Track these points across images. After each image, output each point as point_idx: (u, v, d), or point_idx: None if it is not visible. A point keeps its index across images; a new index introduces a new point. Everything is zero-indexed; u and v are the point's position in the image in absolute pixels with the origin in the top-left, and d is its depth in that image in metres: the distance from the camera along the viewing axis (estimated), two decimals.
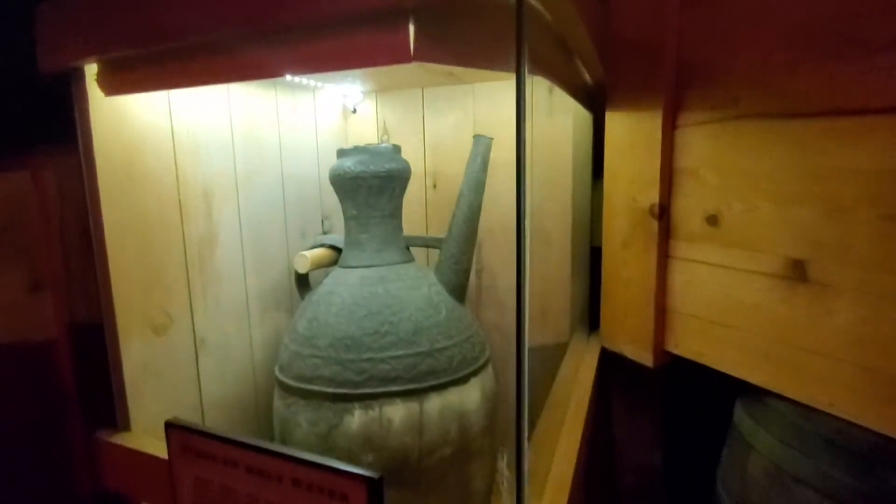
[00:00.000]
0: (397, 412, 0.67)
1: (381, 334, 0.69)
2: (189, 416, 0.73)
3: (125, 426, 0.64)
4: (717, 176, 0.66)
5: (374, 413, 0.67)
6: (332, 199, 1.01)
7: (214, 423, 0.77)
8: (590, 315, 1.01)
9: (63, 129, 0.64)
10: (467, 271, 0.80)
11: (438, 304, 0.75)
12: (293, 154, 0.92)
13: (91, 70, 0.58)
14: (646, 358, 0.78)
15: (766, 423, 0.68)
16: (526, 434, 0.41)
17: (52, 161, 0.68)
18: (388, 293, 0.73)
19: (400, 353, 0.69)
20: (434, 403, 0.69)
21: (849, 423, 0.58)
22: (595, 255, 0.99)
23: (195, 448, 0.53)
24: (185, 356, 0.72)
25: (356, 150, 0.78)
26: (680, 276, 0.73)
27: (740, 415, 0.73)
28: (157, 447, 0.60)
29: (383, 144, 0.79)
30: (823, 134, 0.55)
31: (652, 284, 0.74)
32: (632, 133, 0.75)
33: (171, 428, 0.54)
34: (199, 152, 0.73)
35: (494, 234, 0.97)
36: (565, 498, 0.49)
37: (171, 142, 0.68)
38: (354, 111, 1.06)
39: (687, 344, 0.74)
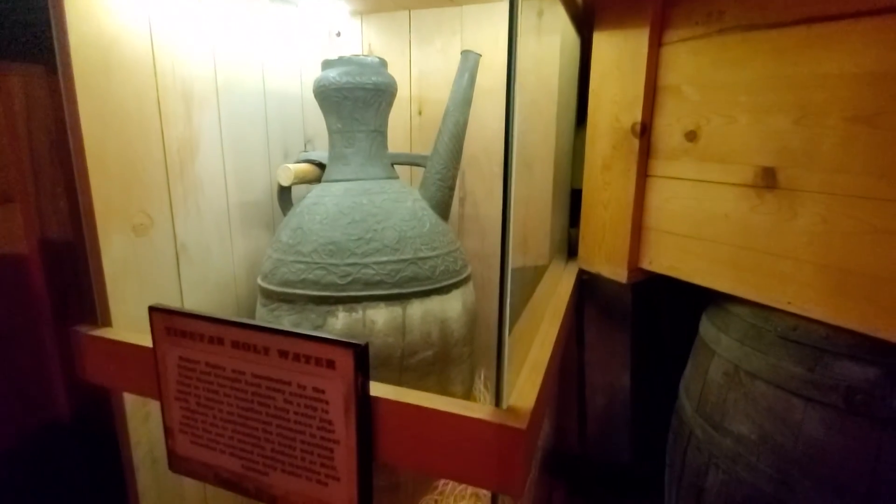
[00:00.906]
0: (380, 315, 0.69)
1: (365, 241, 0.70)
2: None
3: (106, 322, 0.64)
4: (697, 91, 0.68)
5: (357, 315, 0.68)
6: (315, 122, 1.01)
7: None
8: (567, 249, 1.04)
9: (30, 34, 0.62)
10: (451, 189, 0.81)
11: (422, 217, 0.76)
12: (276, 71, 0.90)
13: None
14: (620, 275, 0.81)
15: (727, 328, 0.72)
16: (507, 320, 0.43)
17: (17, 70, 0.66)
18: (373, 203, 0.74)
19: (384, 259, 0.70)
20: (416, 309, 0.71)
21: (804, 318, 0.62)
22: (575, 197, 1.02)
23: (179, 329, 0.54)
24: (167, 260, 0.72)
25: (342, 60, 0.77)
26: (658, 194, 0.75)
27: (705, 325, 0.78)
28: (139, 339, 0.60)
29: (370, 57, 0.78)
30: (800, 42, 0.57)
31: (630, 203, 0.77)
32: (618, 53, 0.76)
33: (155, 311, 0.54)
34: (177, 52, 0.70)
35: (479, 162, 0.98)
36: (540, 377, 0.52)
37: (148, 39, 0.66)
38: (339, 34, 1.04)
39: (660, 260, 0.77)
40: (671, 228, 0.75)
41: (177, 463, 0.58)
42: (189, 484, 0.80)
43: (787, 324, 0.63)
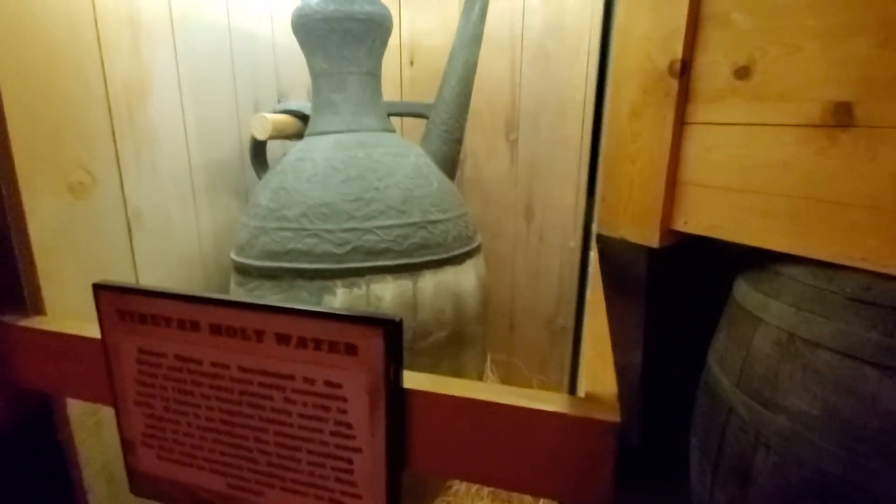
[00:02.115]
0: (388, 290, 0.57)
1: (364, 201, 0.58)
2: None
3: (38, 309, 0.50)
4: (751, 19, 0.59)
5: (360, 291, 0.57)
6: (290, 74, 0.86)
7: None
8: None
9: None
10: (459, 142, 0.70)
11: (428, 175, 0.64)
12: (242, 7, 0.75)
13: None
14: (650, 238, 0.72)
15: (777, 293, 0.64)
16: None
17: None
18: (371, 158, 0.62)
19: (389, 222, 0.58)
20: (428, 282, 0.59)
21: (879, 276, 0.54)
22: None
23: (137, 312, 0.41)
24: (116, 231, 0.57)
25: None
26: (697, 143, 0.66)
27: (744, 291, 0.70)
28: (83, 329, 0.46)
29: None
30: None
31: (664, 155, 0.67)
32: None
33: (103, 290, 0.41)
34: None
35: (481, 116, 0.87)
36: (610, 356, 0.42)
37: None
38: None
39: (698, 219, 0.68)
40: (713, 182, 0.66)
41: (140, 483, 0.46)
42: None
43: (859, 283, 0.56)
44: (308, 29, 0.63)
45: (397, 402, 0.36)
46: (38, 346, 0.48)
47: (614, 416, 0.32)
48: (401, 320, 0.34)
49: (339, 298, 0.56)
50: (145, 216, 0.61)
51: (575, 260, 0.87)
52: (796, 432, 0.60)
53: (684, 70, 0.64)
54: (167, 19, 0.62)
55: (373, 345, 0.34)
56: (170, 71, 0.63)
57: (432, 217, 0.61)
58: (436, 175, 0.65)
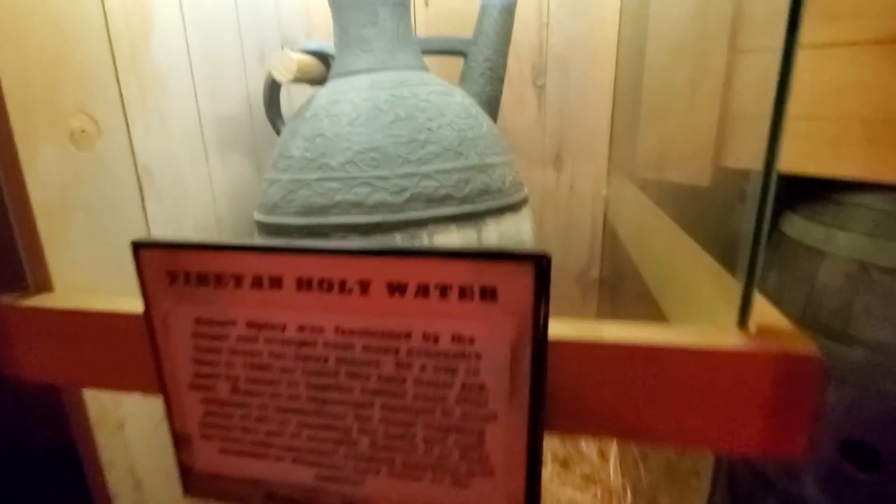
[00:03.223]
0: (452, 241, 0.50)
1: (419, 143, 0.51)
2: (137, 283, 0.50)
3: (42, 285, 0.41)
4: None
5: (421, 244, 0.50)
6: (291, 21, 0.76)
7: None
8: None
9: None
10: (502, 80, 0.63)
11: (477, 116, 0.57)
12: None
13: None
14: (701, 178, 0.68)
15: (845, 223, 0.61)
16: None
17: None
18: (417, 96, 0.54)
19: (448, 166, 0.51)
20: (492, 231, 0.53)
21: None
22: None
23: (195, 273, 0.33)
24: (126, 190, 0.48)
25: None
26: (753, 71, 0.62)
27: (802, 227, 0.67)
28: (109, 304, 0.38)
29: None
30: None
31: (719, 83, 0.63)
32: None
33: (147, 248, 0.33)
34: None
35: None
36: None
37: None
38: None
39: (756, 151, 0.65)
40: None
41: (198, 483, 0.38)
42: None
43: None
44: None
45: (542, 355, 0.30)
46: (47, 330, 0.39)
47: (813, 350, 0.28)
48: (550, 256, 0.28)
49: None
50: (156, 173, 0.51)
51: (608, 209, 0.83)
52: (875, 364, 0.58)
53: None
54: None
55: (520, 286, 0.28)
56: (173, 6, 0.53)
57: (489, 160, 0.54)
58: (483, 117, 0.59)
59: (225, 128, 0.62)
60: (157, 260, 0.33)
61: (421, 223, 0.49)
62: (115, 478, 0.48)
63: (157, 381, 0.36)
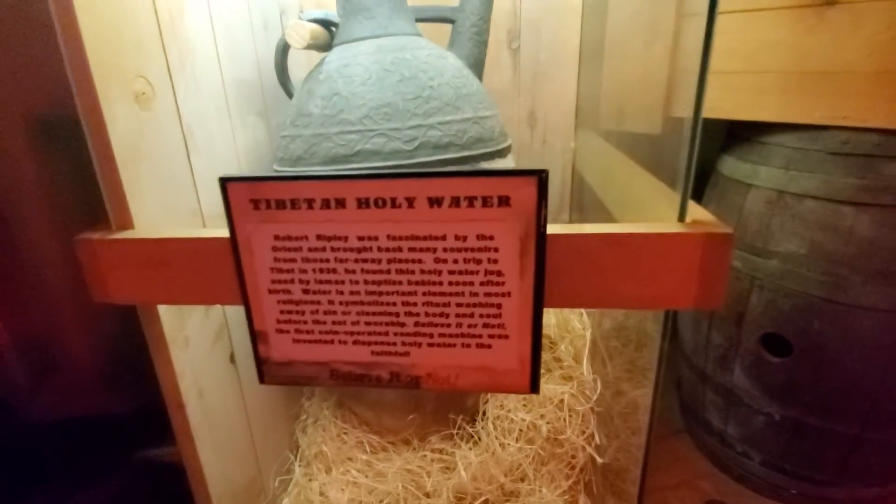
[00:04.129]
0: None
1: (423, 99, 0.60)
2: (190, 223, 0.59)
3: (125, 224, 0.49)
4: None
5: None
6: None
7: None
8: None
9: None
10: (486, 43, 0.73)
11: (467, 76, 0.67)
12: None
13: None
14: (654, 127, 0.81)
15: (766, 160, 0.76)
16: None
17: None
18: (418, 59, 0.63)
19: (448, 118, 0.61)
20: None
21: (855, 131, 0.66)
22: None
23: (274, 200, 0.42)
24: (176, 146, 0.56)
25: None
26: (693, 31, 0.74)
27: (732, 164, 0.81)
28: (189, 233, 0.47)
29: None
30: None
31: (668, 44, 0.75)
32: None
33: (232, 182, 0.42)
34: None
35: None
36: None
37: None
38: None
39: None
40: (713, 68, 0.74)
41: (274, 371, 0.49)
42: (238, 419, 0.69)
43: (839, 139, 0.68)
44: None
45: (543, 244, 0.41)
46: (135, 259, 0.48)
47: (728, 228, 0.40)
48: (547, 172, 0.39)
49: None
50: (196, 131, 0.59)
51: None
52: (787, 270, 0.73)
53: None
54: None
55: (526, 194, 0.39)
56: None
57: (481, 113, 0.65)
58: (472, 76, 0.68)
59: (241, 90, 0.70)
60: (241, 190, 0.42)
61: (429, 166, 0.59)
62: (185, 387, 0.57)
63: (238, 292, 0.46)
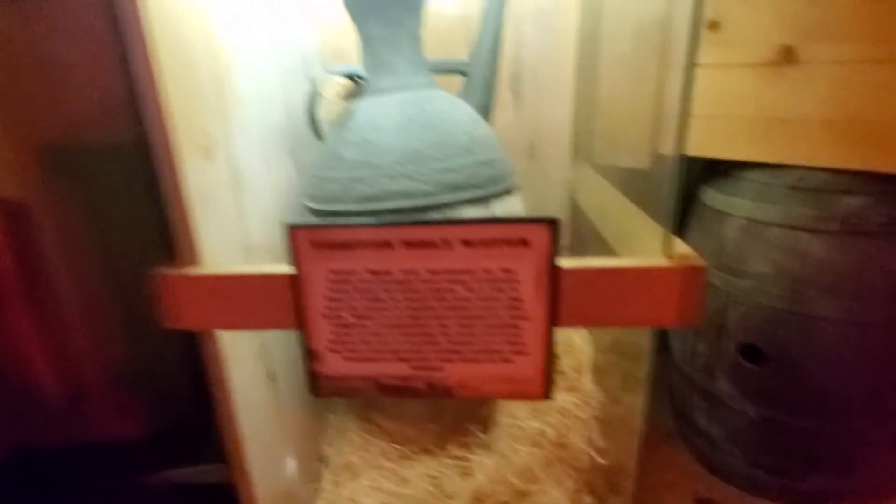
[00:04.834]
0: (471, 216, 0.70)
1: (442, 146, 0.70)
2: (240, 258, 0.67)
3: (191, 259, 0.57)
4: None
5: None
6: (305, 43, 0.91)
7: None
8: None
9: None
10: (494, 91, 0.82)
11: (478, 122, 0.77)
12: None
13: None
14: (643, 162, 0.91)
15: (739, 192, 0.86)
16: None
17: None
18: (438, 110, 0.73)
19: (464, 162, 0.70)
20: (498, 209, 0.73)
21: (809, 169, 0.77)
22: None
23: (330, 242, 0.51)
24: (228, 186, 0.64)
25: None
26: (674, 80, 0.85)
27: (712, 196, 0.92)
28: (249, 269, 0.55)
29: None
30: None
31: (653, 89, 0.85)
32: None
33: (297, 228, 0.50)
34: None
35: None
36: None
37: None
38: None
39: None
40: (693, 112, 0.85)
41: (325, 385, 0.57)
42: (276, 432, 0.77)
43: (795, 176, 0.79)
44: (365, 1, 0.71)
45: (555, 277, 0.50)
46: (204, 290, 0.56)
47: (702, 262, 0.50)
48: (559, 219, 0.48)
49: None
50: (243, 173, 0.67)
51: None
52: (758, 288, 0.83)
53: None
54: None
55: (542, 237, 0.48)
56: (245, 45, 0.68)
57: (492, 155, 0.74)
58: (482, 122, 0.78)
59: (274, 132, 0.78)
60: (305, 235, 0.50)
61: (450, 205, 0.69)
62: (235, 402, 0.65)
63: (295, 317, 0.54)
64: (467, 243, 0.49)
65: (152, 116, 0.52)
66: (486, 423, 0.84)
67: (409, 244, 0.50)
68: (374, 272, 0.51)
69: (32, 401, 0.72)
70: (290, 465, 0.81)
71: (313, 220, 0.73)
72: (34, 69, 0.64)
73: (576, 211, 1.07)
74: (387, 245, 0.50)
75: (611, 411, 0.81)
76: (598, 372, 0.86)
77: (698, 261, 0.50)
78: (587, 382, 0.84)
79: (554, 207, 1.06)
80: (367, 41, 0.75)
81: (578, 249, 1.10)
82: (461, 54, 0.82)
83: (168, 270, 0.56)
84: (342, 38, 0.94)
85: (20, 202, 0.69)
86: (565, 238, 1.11)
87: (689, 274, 0.49)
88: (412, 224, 0.49)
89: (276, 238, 0.77)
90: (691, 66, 0.54)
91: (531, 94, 0.99)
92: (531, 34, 0.96)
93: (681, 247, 0.54)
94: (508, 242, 0.49)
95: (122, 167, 0.69)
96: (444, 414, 0.82)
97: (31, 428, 0.75)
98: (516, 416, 0.80)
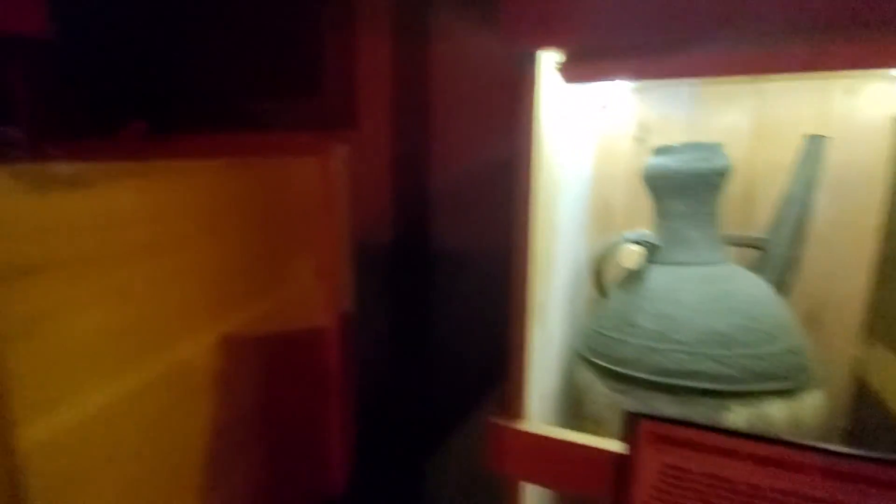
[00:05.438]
0: (779, 410, 0.67)
1: (749, 330, 0.69)
2: (539, 407, 0.74)
3: (518, 413, 0.65)
4: None
5: (754, 410, 0.67)
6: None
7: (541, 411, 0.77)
8: None
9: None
10: (795, 270, 0.80)
11: (780, 303, 0.75)
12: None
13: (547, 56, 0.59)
14: None
15: None
16: None
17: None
18: (740, 290, 0.74)
19: (773, 349, 0.69)
20: (808, 403, 0.69)
21: None
22: None
23: (670, 437, 0.54)
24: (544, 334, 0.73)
25: (685, 147, 0.78)
26: None
27: None
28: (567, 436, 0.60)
29: (712, 143, 0.79)
30: None
31: None
32: None
33: (641, 418, 0.55)
34: None
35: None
36: None
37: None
38: (604, 107, 1.06)
39: None
40: None
41: None
42: None
43: None
44: (668, 181, 0.78)
45: None
46: (527, 444, 0.63)
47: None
48: None
49: (737, 415, 0.67)
50: (547, 324, 0.76)
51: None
52: None
53: None
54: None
55: None
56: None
57: (796, 342, 0.71)
58: (782, 304, 0.76)
59: (565, 284, 0.87)
60: (650, 426, 0.54)
61: (755, 394, 0.67)
62: None
63: (615, 495, 0.57)
64: (827, 474, 0.48)
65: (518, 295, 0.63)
66: None
67: (757, 458, 0.50)
68: (713, 477, 0.52)
69: None
70: None
71: (602, 382, 0.77)
72: None
73: (863, 392, 0.94)
74: (730, 454, 0.51)
75: None
76: None
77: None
78: None
79: (834, 385, 0.95)
80: (665, 214, 0.81)
81: (862, 436, 0.95)
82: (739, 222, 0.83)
83: (500, 420, 0.64)
84: (609, 192, 1.02)
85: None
86: (845, 420, 0.98)
87: None
88: (762, 440, 0.50)
89: (565, 386, 0.83)
90: None
91: (817, 261, 0.94)
92: (824, 203, 0.92)
93: None
94: (888, 485, 0.46)
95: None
96: None
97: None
98: None
